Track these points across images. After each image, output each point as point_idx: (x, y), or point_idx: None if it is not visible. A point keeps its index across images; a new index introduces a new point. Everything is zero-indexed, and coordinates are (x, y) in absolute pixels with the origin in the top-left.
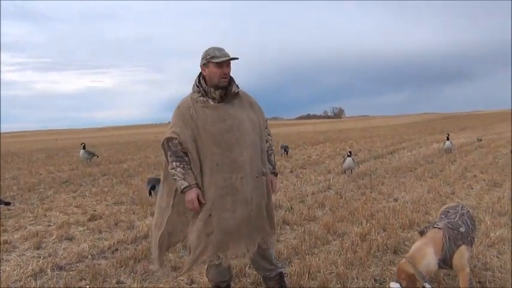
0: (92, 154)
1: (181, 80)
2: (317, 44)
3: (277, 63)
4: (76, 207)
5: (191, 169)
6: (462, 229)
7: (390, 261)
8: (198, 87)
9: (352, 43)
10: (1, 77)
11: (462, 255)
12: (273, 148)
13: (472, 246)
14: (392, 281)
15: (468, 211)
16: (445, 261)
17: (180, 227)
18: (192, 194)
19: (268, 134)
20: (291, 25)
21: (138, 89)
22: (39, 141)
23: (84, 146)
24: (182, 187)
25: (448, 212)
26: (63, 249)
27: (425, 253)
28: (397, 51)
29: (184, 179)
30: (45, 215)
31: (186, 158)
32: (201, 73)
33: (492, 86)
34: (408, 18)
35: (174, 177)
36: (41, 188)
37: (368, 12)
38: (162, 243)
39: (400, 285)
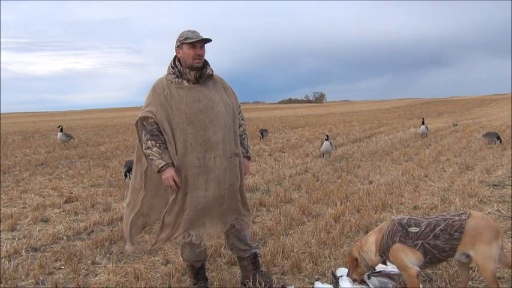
0: (69, 136)
1: (161, 62)
2: (299, 29)
3: (258, 48)
4: (52, 189)
5: (167, 148)
6: (413, 229)
7: None
8: (173, 68)
9: (332, 29)
10: None
11: (395, 253)
12: (247, 133)
13: (423, 251)
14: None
15: (458, 222)
16: (385, 254)
17: (157, 208)
18: (169, 172)
19: (241, 119)
20: (273, 10)
21: (117, 71)
22: (15, 124)
23: (61, 128)
24: (160, 166)
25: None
26: (38, 230)
27: (368, 240)
28: (376, 37)
29: (161, 158)
30: (20, 197)
31: (161, 137)
32: (176, 55)
33: (472, 72)
34: (386, 4)
35: (150, 157)
36: (16, 170)
37: None
38: (135, 222)
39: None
